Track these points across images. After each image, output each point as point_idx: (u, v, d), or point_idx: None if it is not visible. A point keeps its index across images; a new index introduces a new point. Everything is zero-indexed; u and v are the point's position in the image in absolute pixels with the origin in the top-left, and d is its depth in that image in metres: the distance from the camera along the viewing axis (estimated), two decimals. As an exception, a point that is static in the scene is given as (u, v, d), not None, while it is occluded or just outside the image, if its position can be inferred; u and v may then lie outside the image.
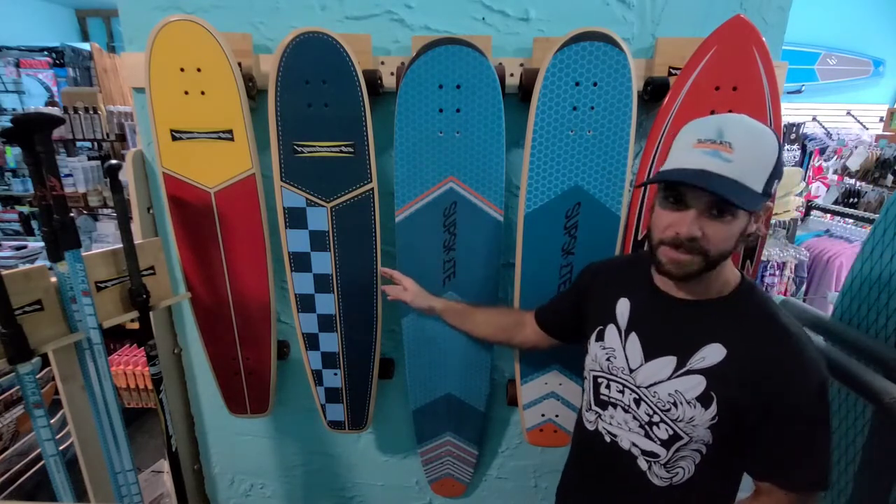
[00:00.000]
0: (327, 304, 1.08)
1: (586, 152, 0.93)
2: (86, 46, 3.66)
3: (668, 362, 0.70)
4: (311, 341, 1.11)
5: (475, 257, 1.02)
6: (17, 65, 3.74)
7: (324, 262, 1.04)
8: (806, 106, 4.38)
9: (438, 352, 1.10)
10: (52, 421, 0.84)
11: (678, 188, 0.63)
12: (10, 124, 0.77)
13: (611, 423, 0.78)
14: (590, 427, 0.82)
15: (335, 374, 1.14)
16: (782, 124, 0.87)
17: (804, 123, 4.05)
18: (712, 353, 0.67)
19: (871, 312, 0.95)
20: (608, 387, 0.78)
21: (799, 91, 4.38)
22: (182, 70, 0.93)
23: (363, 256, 1.04)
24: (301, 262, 1.04)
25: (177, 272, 1.11)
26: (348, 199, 1.00)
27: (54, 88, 3.71)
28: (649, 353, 0.72)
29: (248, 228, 1.04)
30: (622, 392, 0.76)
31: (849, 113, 4.37)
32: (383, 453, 1.37)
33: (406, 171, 0.97)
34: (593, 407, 0.81)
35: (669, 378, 0.69)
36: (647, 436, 0.73)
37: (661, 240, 0.66)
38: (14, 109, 3.71)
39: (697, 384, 0.67)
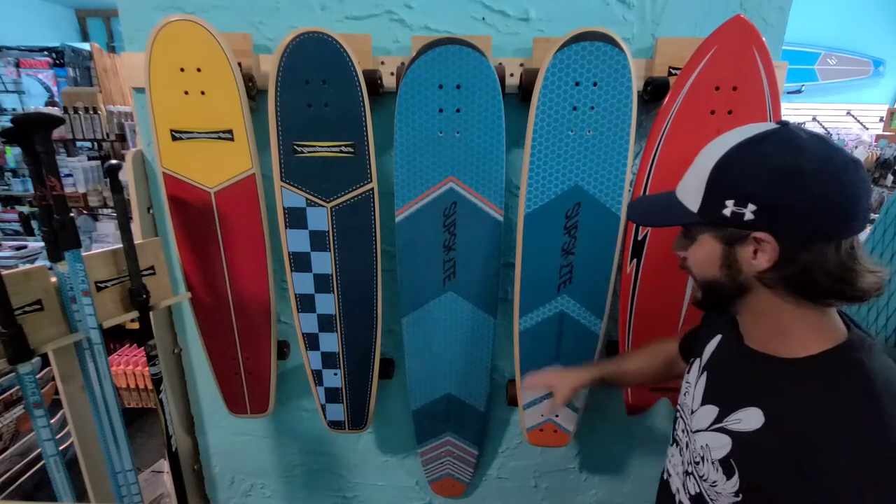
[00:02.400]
0: (327, 304, 1.08)
1: (586, 152, 0.93)
2: (86, 46, 3.65)
3: (711, 412, 0.62)
4: (311, 341, 1.11)
5: (475, 257, 1.02)
6: (17, 65, 3.73)
7: (324, 262, 1.04)
8: (806, 106, 4.39)
9: (438, 352, 1.10)
10: (52, 421, 0.84)
11: None
12: (10, 124, 0.77)
13: (670, 461, 0.74)
14: (666, 464, 0.77)
15: (335, 374, 1.14)
16: (782, 124, 0.85)
17: (804, 123, 4.04)
18: (749, 418, 0.56)
19: (871, 312, 0.95)
20: (678, 423, 0.73)
21: (799, 91, 4.38)
22: (182, 70, 0.93)
23: (363, 256, 1.04)
24: (301, 262, 1.04)
25: (177, 272, 1.11)
26: (348, 199, 1.00)
27: (54, 88, 3.70)
28: (706, 398, 0.65)
29: (248, 228, 1.04)
30: (683, 431, 0.69)
31: (849, 113, 4.37)
32: (383, 453, 1.37)
33: (406, 171, 0.97)
34: (671, 442, 0.76)
35: (706, 429, 0.62)
36: (684, 486, 0.67)
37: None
38: (14, 109, 3.70)
39: (723, 446, 0.58)
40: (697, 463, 0.63)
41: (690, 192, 0.57)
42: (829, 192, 0.49)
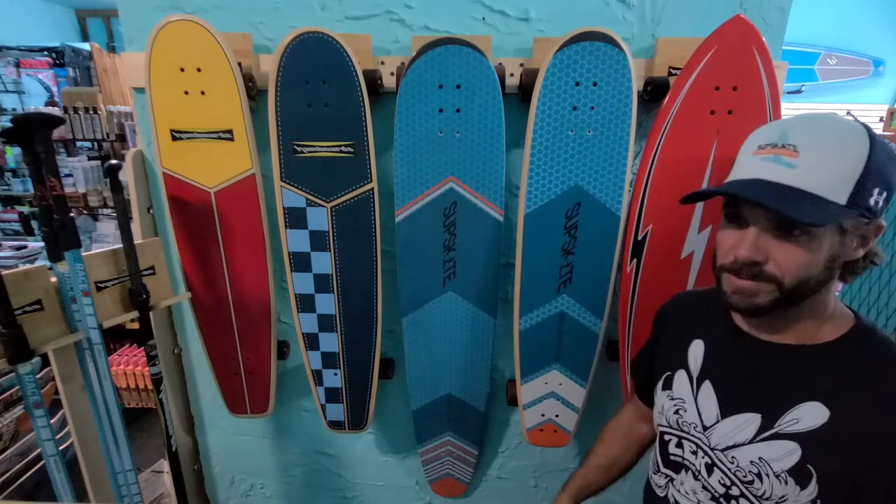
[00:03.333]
0: (327, 304, 1.08)
1: (586, 152, 0.92)
2: (86, 46, 3.65)
3: (749, 420, 0.57)
4: (311, 341, 1.11)
5: (475, 257, 1.02)
6: (17, 65, 3.73)
7: (324, 262, 1.04)
8: (806, 106, 4.38)
9: (438, 352, 1.10)
10: (52, 421, 0.84)
11: (736, 203, 0.55)
12: (10, 124, 0.77)
13: (679, 491, 0.66)
14: (659, 493, 0.70)
15: (335, 374, 1.14)
16: (782, 124, 0.85)
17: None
18: (810, 414, 0.53)
19: (871, 312, 0.95)
20: (679, 445, 0.66)
21: (799, 91, 4.37)
22: (182, 70, 0.93)
23: (363, 256, 1.04)
24: (301, 262, 1.04)
25: (177, 272, 1.11)
26: (348, 199, 1.00)
27: (54, 88, 3.70)
28: (727, 408, 0.59)
29: (248, 228, 1.04)
30: (695, 454, 0.63)
31: (849, 113, 4.37)
32: (383, 453, 1.37)
33: (406, 171, 0.97)
34: (662, 469, 0.69)
35: (752, 441, 0.56)
36: None
37: (722, 265, 0.56)
38: (14, 109, 3.70)
39: (789, 453, 0.53)
40: (751, 482, 0.56)
41: (834, 182, 0.50)
42: None
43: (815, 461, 0.52)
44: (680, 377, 0.66)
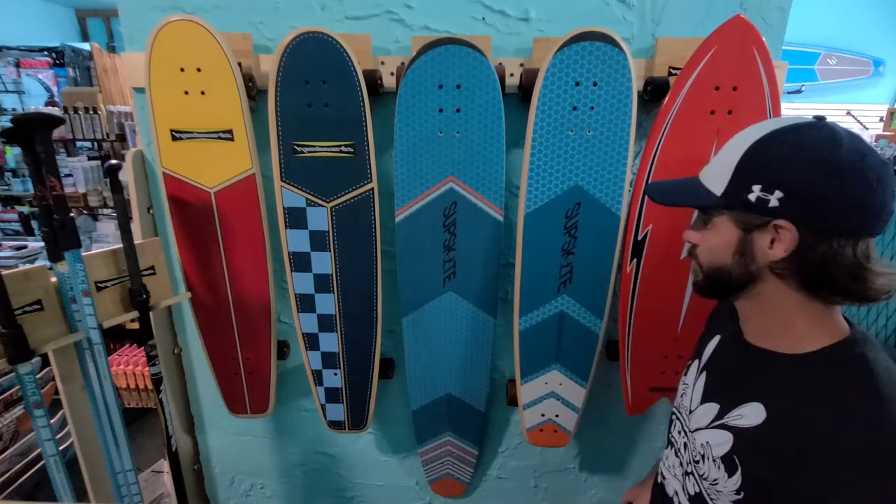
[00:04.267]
0: (327, 304, 1.08)
1: (586, 152, 0.92)
2: (86, 46, 3.65)
3: (711, 409, 0.62)
4: (311, 341, 1.11)
5: (475, 257, 1.02)
6: (17, 65, 3.73)
7: (324, 262, 1.04)
8: (806, 106, 4.38)
9: (438, 352, 1.10)
10: (52, 421, 0.84)
11: None
12: (10, 124, 0.77)
13: (664, 464, 0.73)
14: (660, 466, 0.77)
15: (335, 374, 1.14)
16: (782, 124, 0.85)
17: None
18: (751, 414, 0.56)
19: (871, 312, 0.95)
20: (674, 425, 0.73)
21: (799, 91, 4.37)
22: (182, 70, 0.93)
23: (363, 256, 1.04)
24: (301, 262, 1.04)
25: (177, 272, 1.11)
26: (348, 199, 1.00)
27: (54, 88, 3.70)
28: (705, 397, 0.65)
29: (248, 228, 1.04)
30: (680, 433, 0.70)
31: (849, 113, 4.37)
32: (383, 453, 1.37)
33: (406, 171, 0.97)
34: (666, 446, 0.76)
35: (707, 427, 0.62)
36: (683, 488, 0.66)
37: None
38: (14, 109, 3.70)
39: (725, 442, 0.58)
40: (697, 462, 0.62)
41: (715, 175, 0.57)
42: (862, 190, 0.49)
43: (742, 455, 0.56)
44: (693, 366, 0.71)
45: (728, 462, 0.57)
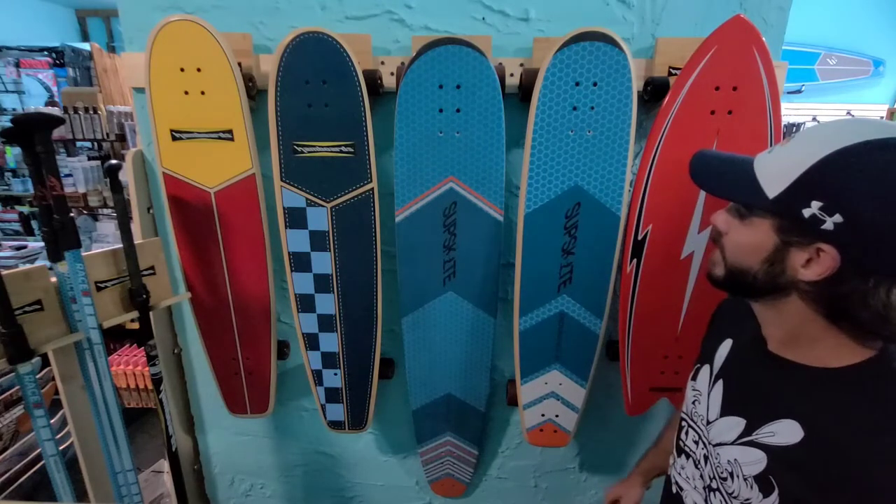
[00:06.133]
0: (327, 304, 1.08)
1: (586, 152, 0.92)
2: (86, 46, 3.65)
3: (736, 424, 0.59)
4: (311, 341, 1.11)
5: (475, 257, 1.02)
6: (17, 65, 3.74)
7: (324, 262, 1.04)
8: (806, 106, 4.38)
9: (438, 352, 1.10)
10: (52, 421, 0.84)
11: None
12: (10, 124, 0.77)
13: (680, 474, 0.70)
14: (669, 472, 0.75)
15: (335, 374, 1.14)
16: (782, 125, 0.85)
17: (804, 123, 4.04)
18: (786, 432, 0.52)
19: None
20: (687, 433, 0.70)
21: (799, 91, 4.37)
22: (182, 70, 0.93)
23: (363, 256, 1.04)
24: (301, 262, 1.04)
25: (177, 272, 1.11)
26: (348, 199, 1.00)
27: (54, 88, 3.71)
28: (725, 408, 0.61)
29: (248, 228, 1.04)
30: (697, 443, 0.67)
31: (849, 113, 4.36)
32: (383, 453, 1.37)
33: (406, 171, 0.97)
34: (674, 452, 0.73)
35: (733, 443, 0.58)
36: (707, 501, 0.64)
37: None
38: (14, 109, 3.71)
39: (757, 461, 0.54)
40: (725, 479, 0.59)
41: (774, 172, 0.50)
42: None
43: (778, 475, 0.52)
44: (704, 371, 0.68)
45: (763, 482, 0.54)
